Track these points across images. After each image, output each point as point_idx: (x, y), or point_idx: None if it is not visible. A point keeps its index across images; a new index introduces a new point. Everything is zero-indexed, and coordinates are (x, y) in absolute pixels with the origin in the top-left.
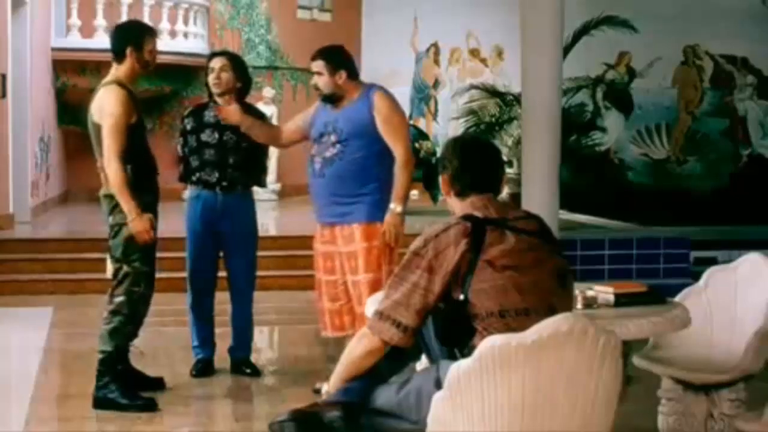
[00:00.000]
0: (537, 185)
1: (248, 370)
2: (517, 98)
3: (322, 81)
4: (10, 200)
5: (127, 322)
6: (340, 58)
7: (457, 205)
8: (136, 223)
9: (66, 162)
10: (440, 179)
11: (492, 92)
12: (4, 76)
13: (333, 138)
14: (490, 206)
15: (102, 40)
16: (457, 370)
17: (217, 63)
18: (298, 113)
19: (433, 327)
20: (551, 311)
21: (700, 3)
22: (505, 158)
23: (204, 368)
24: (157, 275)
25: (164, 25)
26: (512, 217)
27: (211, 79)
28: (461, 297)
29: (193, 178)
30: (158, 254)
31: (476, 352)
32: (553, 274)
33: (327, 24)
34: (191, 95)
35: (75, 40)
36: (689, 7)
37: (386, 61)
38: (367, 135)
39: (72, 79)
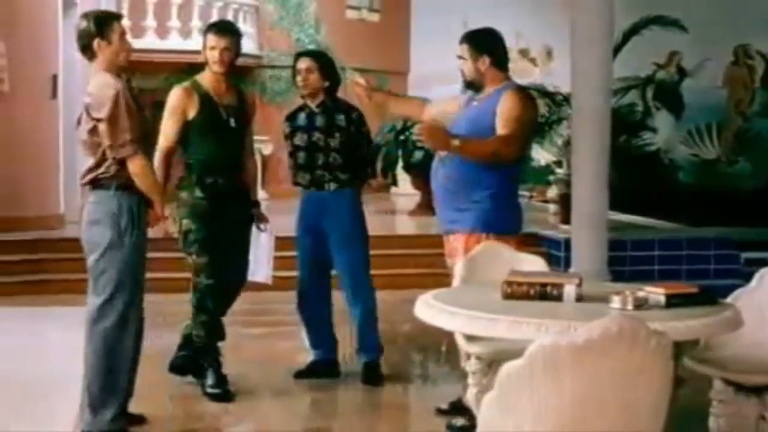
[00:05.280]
0: (586, 186)
1: (370, 378)
2: (567, 98)
3: (466, 66)
4: (61, 200)
5: (197, 311)
6: (485, 42)
7: None
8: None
9: None
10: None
11: (541, 92)
12: (55, 77)
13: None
14: None
15: (151, 41)
16: (507, 370)
17: (302, 64)
18: None
19: None
20: None
21: (751, 2)
22: (554, 159)
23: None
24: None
25: None
26: None
27: (298, 81)
28: None
29: (297, 180)
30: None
31: (526, 353)
32: None
33: (375, 24)
34: None
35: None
36: (740, 7)
37: (435, 60)
38: (486, 138)
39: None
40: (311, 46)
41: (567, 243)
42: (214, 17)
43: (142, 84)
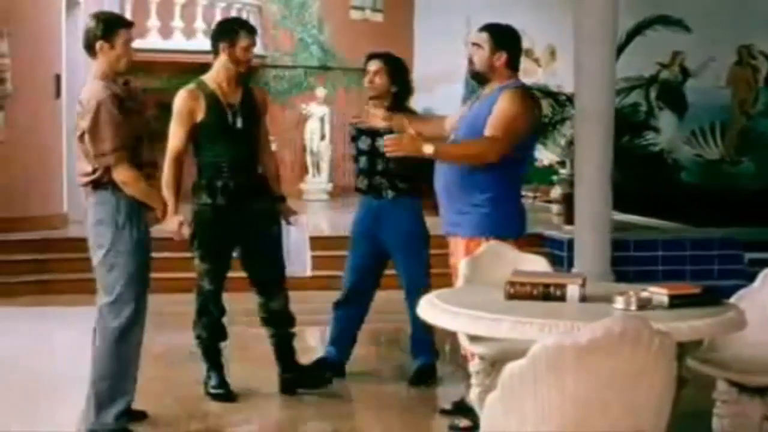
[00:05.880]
0: (590, 186)
1: (415, 380)
2: (570, 98)
3: (479, 55)
4: (65, 199)
5: (199, 313)
6: (507, 38)
7: None
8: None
9: None
10: None
11: (545, 92)
12: (58, 77)
13: (452, 137)
14: None
15: (154, 41)
16: (510, 370)
17: (372, 66)
18: (350, 114)
19: None
20: None
21: (755, 2)
22: (557, 159)
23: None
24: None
25: None
26: None
27: (365, 82)
28: None
29: (357, 185)
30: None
31: (529, 353)
32: None
33: (379, 24)
34: None
35: None
36: (743, 7)
37: (438, 61)
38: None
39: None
40: (314, 47)
41: (570, 243)
42: (218, 17)
43: (145, 84)
